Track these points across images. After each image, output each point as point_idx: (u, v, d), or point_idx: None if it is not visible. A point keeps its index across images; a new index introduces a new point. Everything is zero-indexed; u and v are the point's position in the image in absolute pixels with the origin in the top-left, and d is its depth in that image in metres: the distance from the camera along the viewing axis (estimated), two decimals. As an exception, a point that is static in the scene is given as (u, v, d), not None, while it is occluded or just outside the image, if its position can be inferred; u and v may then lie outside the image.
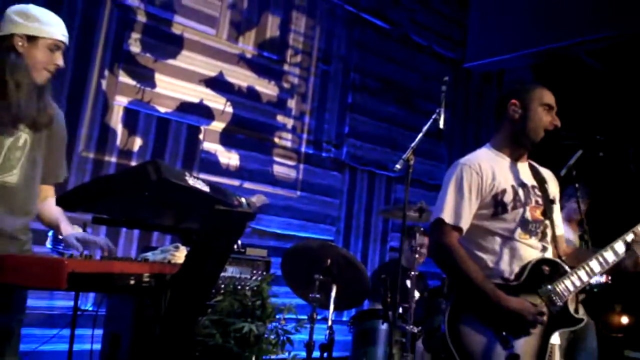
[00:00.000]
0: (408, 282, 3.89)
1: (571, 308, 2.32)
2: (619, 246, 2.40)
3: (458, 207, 2.35)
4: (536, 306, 2.24)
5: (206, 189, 2.44)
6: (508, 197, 2.37)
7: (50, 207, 2.51)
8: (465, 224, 2.36)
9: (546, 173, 2.58)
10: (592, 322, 4.51)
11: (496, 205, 2.37)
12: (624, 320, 5.86)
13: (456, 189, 2.38)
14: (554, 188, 2.55)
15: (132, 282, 2.44)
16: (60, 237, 2.53)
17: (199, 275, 2.54)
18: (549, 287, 2.30)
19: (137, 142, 4.67)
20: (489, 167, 2.41)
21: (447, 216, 2.35)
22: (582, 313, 4.34)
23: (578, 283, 2.32)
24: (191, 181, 2.27)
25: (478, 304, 2.26)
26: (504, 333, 2.23)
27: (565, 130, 2.44)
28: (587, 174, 3.06)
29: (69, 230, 2.46)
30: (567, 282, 2.32)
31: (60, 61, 2.34)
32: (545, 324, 2.24)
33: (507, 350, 2.22)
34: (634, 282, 4.42)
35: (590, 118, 5.81)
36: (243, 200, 2.81)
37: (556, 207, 2.50)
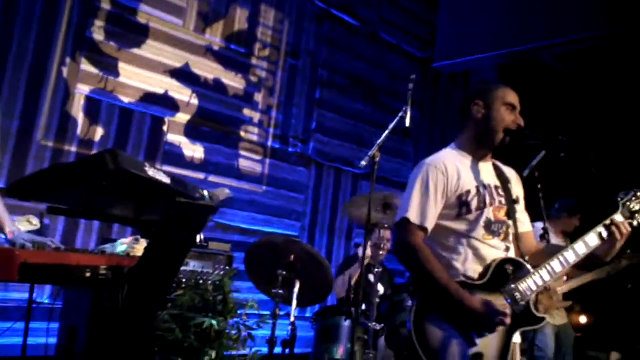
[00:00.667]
0: (371, 277, 3.89)
1: (534, 308, 2.34)
2: (579, 247, 2.42)
3: (424, 208, 2.34)
4: (501, 306, 2.25)
5: (167, 180, 2.38)
6: (472, 198, 2.37)
7: None
8: (430, 224, 2.36)
9: (510, 173, 2.59)
10: (573, 333, 4.63)
11: (460, 206, 2.37)
12: (583, 320, 5.98)
13: (422, 189, 2.37)
14: (517, 188, 2.56)
15: (88, 274, 2.39)
16: (4, 237, 2.42)
17: (158, 268, 2.49)
18: (512, 286, 2.32)
19: (99, 132, 4.56)
20: (455, 168, 2.41)
21: (413, 216, 2.34)
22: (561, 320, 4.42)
23: (540, 282, 2.35)
24: (151, 172, 2.21)
25: (442, 303, 2.27)
26: (468, 332, 2.24)
27: (529, 130, 2.45)
28: (549, 174, 3.10)
29: (14, 229, 2.36)
30: (530, 282, 2.34)
31: None
32: (508, 323, 2.25)
33: (470, 348, 2.23)
34: (591, 283, 4.51)
35: (554, 120, 5.91)
36: (205, 193, 2.75)
37: (519, 207, 2.51)
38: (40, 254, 2.13)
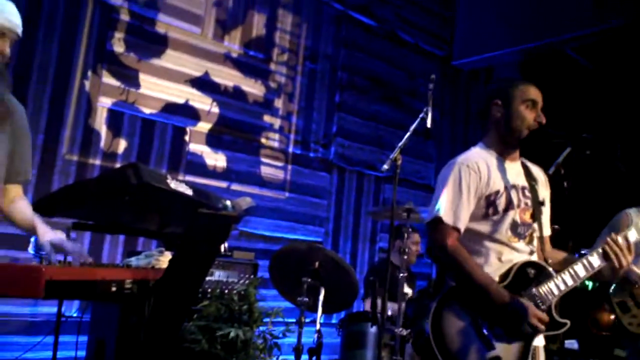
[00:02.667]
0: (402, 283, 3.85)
1: (556, 312, 2.29)
2: (607, 245, 2.36)
3: (457, 208, 2.30)
4: (540, 311, 2.20)
5: (189, 192, 2.38)
6: (500, 199, 2.33)
7: (22, 208, 2.41)
8: (463, 225, 2.31)
9: (538, 173, 2.53)
10: None
11: (487, 206, 2.33)
12: (613, 317, 5.84)
13: (455, 189, 2.32)
14: (544, 189, 2.50)
15: (114, 289, 2.38)
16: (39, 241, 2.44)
17: (182, 280, 2.49)
18: (533, 290, 2.27)
19: (122, 144, 4.59)
20: (486, 167, 2.36)
21: (447, 216, 2.29)
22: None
23: (562, 287, 2.29)
24: (173, 184, 2.21)
25: (467, 303, 2.23)
26: (487, 334, 2.20)
27: (553, 128, 2.39)
28: (575, 172, 3.03)
29: (47, 233, 2.37)
30: (552, 285, 2.29)
31: (4, 48, 2.19)
32: (544, 330, 2.21)
33: (489, 351, 2.19)
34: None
35: (578, 115, 5.81)
36: (228, 203, 2.75)
37: (545, 209, 2.46)
38: (66, 270, 2.13)
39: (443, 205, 2.30)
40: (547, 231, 2.49)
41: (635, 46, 5.70)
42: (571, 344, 5.27)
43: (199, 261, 2.48)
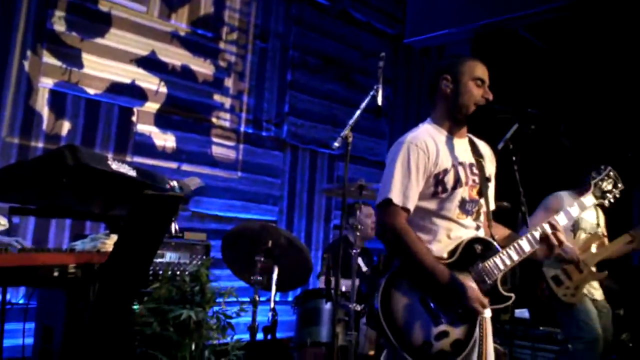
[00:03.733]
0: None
1: (500, 286, 2.33)
2: (547, 227, 2.41)
3: (406, 188, 2.30)
4: (480, 293, 2.24)
5: (133, 173, 2.33)
6: (448, 177, 2.34)
7: None
8: (412, 205, 2.32)
9: (484, 149, 2.54)
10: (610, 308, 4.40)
11: (436, 185, 2.34)
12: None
13: (403, 169, 2.31)
14: (490, 165, 2.52)
15: (56, 274, 2.33)
16: None
17: (128, 263, 2.44)
18: (480, 265, 2.31)
19: (66, 126, 4.44)
20: (434, 145, 2.36)
21: (396, 197, 2.29)
22: (599, 295, 4.24)
23: (508, 262, 2.33)
24: (114, 166, 2.16)
25: (414, 280, 2.26)
26: (435, 310, 2.24)
27: (500, 104, 2.42)
28: (523, 147, 3.09)
29: None
30: (497, 260, 2.33)
31: None
32: (485, 310, 2.25)
33: (437, 326, 2.23)
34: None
35: (528, 92, 5.92)
36: (175, 183, 2.70)
37: (491, 185, 2.48)
38: (5, 256, 2.06)
39: (392, 186, 2.30)
40: (492, 206, 2.51)
41: (582, 24, 5.82)
42: (522, 312, 5.42)
43: (144, 243, 2.44)
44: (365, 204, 4.58)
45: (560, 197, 4.08)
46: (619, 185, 2.62)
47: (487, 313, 2.37)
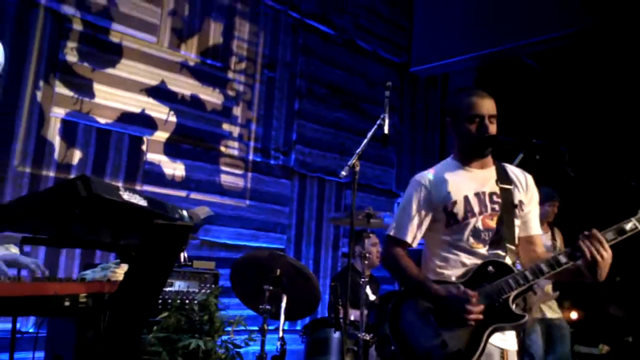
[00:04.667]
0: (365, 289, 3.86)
1: (514, 306, 2.32)
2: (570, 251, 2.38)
3: (403, 222, 2.51)
4: (464, 296, 2.25)
5: (143, 203, 2.34)
6: (458, 208, 2.41)
7: None
8: (410, 236, 2.49)
9: (518, 175, 2.55)
10: (567, 326, 4.53)
11: (447, 217, 2.43)
12: (574, 315, 5.98)
13: (403, 204, 2.55)
14: (523, 191, 2.51)
15: (67, 303, 2.33)
16: None
17: (138, 292, 2.44)
18: (488, 285, 2.32)
19: (77, 155, 4.50)
20: (442, 179, 2.47)
21: (393, 230, 2.54)
22: (552, 314, 4.36)
23: (521, 281, 2.32)
24: (126, 196, 2.17)
25: (416, 298, 2.40)
26: (434, 321, 2.32)
27: (505, 134, 2.45)
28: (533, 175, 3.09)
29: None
30: (510, 280, 2.32)
31: None
32: (472, 312, 2.24)
33: (437, 337, 2.29)
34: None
35: (534, 119, 5.95)
36: (185, 213, 2.71)
37: (522, 212, 2.47)
38: (17, 286, 2.08)
39: (394, 222, 2.57)
40: (534, 231, 2.50)
41: (586, 52, 5.88)
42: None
43: (154, 273, 2.45)
44: (372, 232, 4.59)
45: None
46: None
47: (512, 346, 2.37)
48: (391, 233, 2.54)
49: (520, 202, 2.47)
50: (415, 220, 2.49)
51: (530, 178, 2.58)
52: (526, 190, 2.53)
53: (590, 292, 5.47)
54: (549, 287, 4.42)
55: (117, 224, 2.49)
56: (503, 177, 2.51)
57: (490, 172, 2.52)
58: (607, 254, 2.23)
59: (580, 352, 5.48)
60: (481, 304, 2.27)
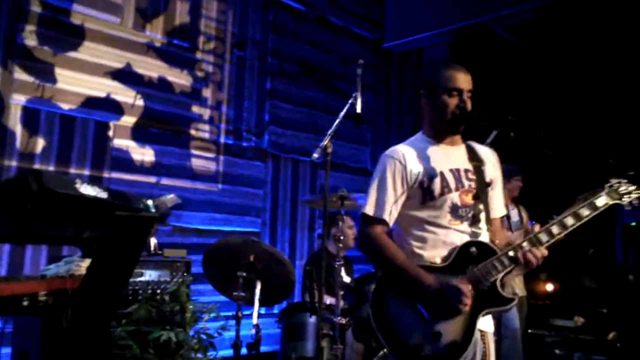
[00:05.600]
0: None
1: (501, 288, 2.28)
2: (555, 228, 2.37)
3: (379, 200, 2.36)
4: (462, 286, 2.19)
5: (103, 195, 2.27)
6: (435, 184, 2.33)
7: None
8: (388, 215, 2.35)
9: (486, 154, 2.51)
10: (525, 305, 4.56)
11: (424, 193, 2.34)
12: (550, 287, 6.04)
13: (378, 182, 2.39)
14: (493, 169, 2.48)
15: (25, 303, 2.25)
16: None
17: (102, 287, 2.37)
18: (475, 268, 2.26)
19: (40, 144, 4.34)
20: (416, 155, 2.38)
21: (370, 209, 2.37)
22: (520, 291, 4.37)
23: (507, 262, 2.28)
24: (82, 189, 2.09)
25: (401, 285, 2.27)
26: (424, 312, 2.23)
27: (479, 110, 2.39)
28: (505, 153, 3.05)
29: None
30: (496, 262, 2.28)
31: None
32: (467, 303, 2.20)
33: (429, 328, 2.20)
34: (558, 250, 4.49)
35: (507, 96, 5.91)
36: (150, 203, 2.63)
37: (493, 190, 2.44)
38: (-31, 287, 1.98)
39: (368, 200, 2.39)
40: (498, 212, 2.48)
41: (562, 24, 5.83)
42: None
43: (118, 266, 2.37)
44: (347, 214, 4.53)
45: None
46: (633, 188, 2.52)
47: (489, 327, 2.33)
48: (369, 212, 2.36)
49: (492, 180, 2.44)
50: (392, 198, 2.35)
51: (497, 157, 2.55)
52: (495, 169, 2.50)
53: (565, 265, 5.50)
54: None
55: (78, 218, 2.40)
56: (473, 155, 2.46)
57: (461, 150, 2.47)
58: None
59: (555, 324, 5.53)
60: (472, 290, 2.22)
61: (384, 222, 2.35)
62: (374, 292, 2.31)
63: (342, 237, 3.67)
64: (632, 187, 2.48)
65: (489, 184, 2.41)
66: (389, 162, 2.38)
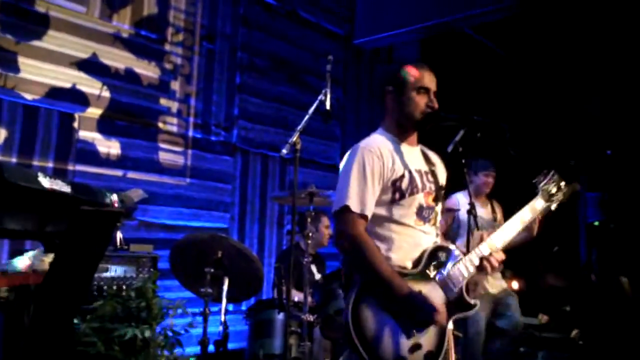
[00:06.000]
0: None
1: (467, 293, 2.32)
2: (510, 225, 2.43)
3: (363, 195, 2.26)
4: (438, 299, 2.22)
5: (67, 189, 2.21)
6: (405, 183, 2.32)
7: None
8: (370, 212, 2.28)
9: (435, 157, 2.55)
10: (513, 297, 4.51)
11: (394, 192, 2.32)
12: (515, 285, 6.11)
13: (360, 175, 2.28)
14: (442, 173, 2.52)
15: (-17, 299, 2.17)
16: None
17: (65, 283, 2.31)
18: (444, 274, 2.28)
19: (2, 134, 4.21)
20: (389, 152, 2.35)
21: (353, 204, 2.25)
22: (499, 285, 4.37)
23: (471, 268, 2.32)
24: (45, 182, 2.03)
25: (379, 294, 2.21)
26: (405, 322, 2.20)
27: (445, 110, 2.40)
28: (472, 151, 3.08)
29: None
30: (461, 267, 2.31)
31: None
32: (443, 320, 2.21)
33: (409, 339, 2.19)
34: (522, 249, 4.53)
35: (476, 92, 5.98)
36: (114, 197, 2.58)
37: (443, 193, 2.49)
38: None
39: (349, 193, 2.26)
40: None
41: (531, 25, 5.91)
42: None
43: (82, 261, 2.31)
44: (324, 213, 4.53)
45: (456, 198, 4.17)
46: (562, 186, 2.62)
47: (450, 325, 2.35)
48: (354, 208, 2.24)
49: (443, 184, 2.48)
50: (373, 193, 2.27)
51: (441, 161, 2.58)
52: (444, 172, 2.54)
53: (529, 263, 5.59)
54: None
55: (41, 212, 2.34)
56: (427, 158, 2.50)
57: (418, 151, 2.49)
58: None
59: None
60: (443, 300, 2.25)
61: (366, 219, 2.28)
62: (353, 303, 2.19)
63: (311, 234, 3.66)
64: (562, 184, 2.56)
65: (442, 187, 2.45)
66: (367, 156, 2.30)
